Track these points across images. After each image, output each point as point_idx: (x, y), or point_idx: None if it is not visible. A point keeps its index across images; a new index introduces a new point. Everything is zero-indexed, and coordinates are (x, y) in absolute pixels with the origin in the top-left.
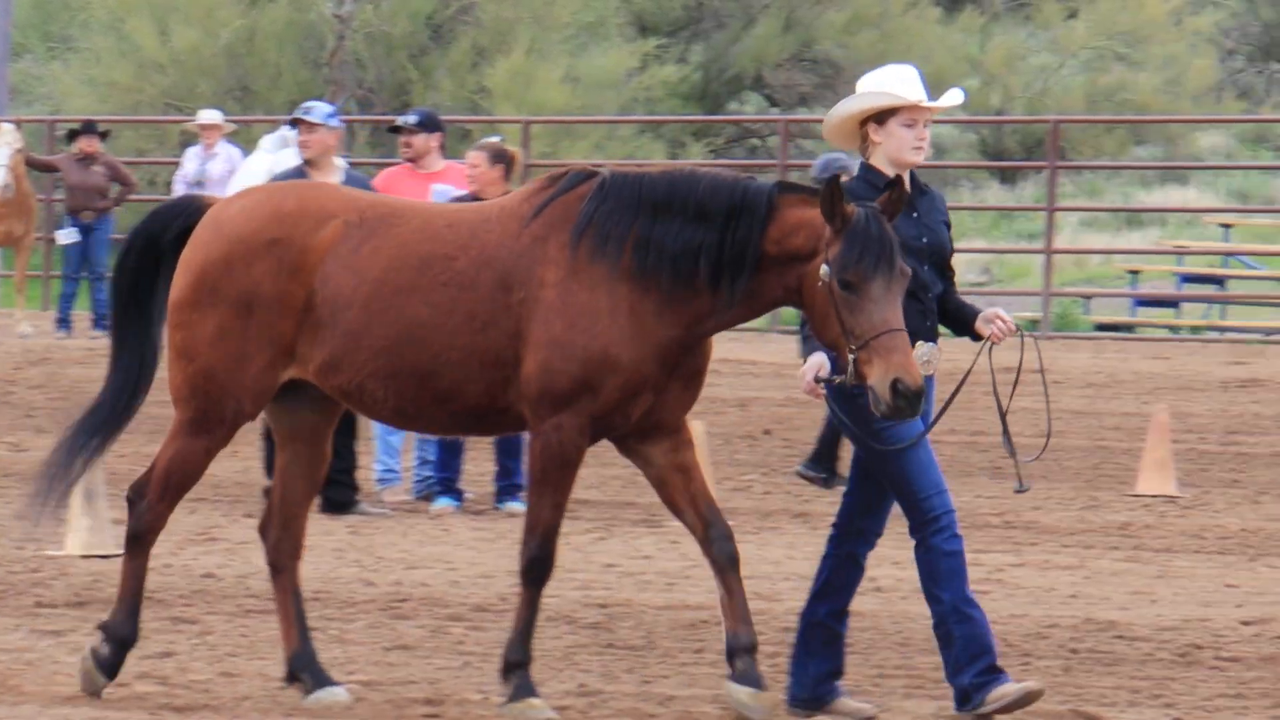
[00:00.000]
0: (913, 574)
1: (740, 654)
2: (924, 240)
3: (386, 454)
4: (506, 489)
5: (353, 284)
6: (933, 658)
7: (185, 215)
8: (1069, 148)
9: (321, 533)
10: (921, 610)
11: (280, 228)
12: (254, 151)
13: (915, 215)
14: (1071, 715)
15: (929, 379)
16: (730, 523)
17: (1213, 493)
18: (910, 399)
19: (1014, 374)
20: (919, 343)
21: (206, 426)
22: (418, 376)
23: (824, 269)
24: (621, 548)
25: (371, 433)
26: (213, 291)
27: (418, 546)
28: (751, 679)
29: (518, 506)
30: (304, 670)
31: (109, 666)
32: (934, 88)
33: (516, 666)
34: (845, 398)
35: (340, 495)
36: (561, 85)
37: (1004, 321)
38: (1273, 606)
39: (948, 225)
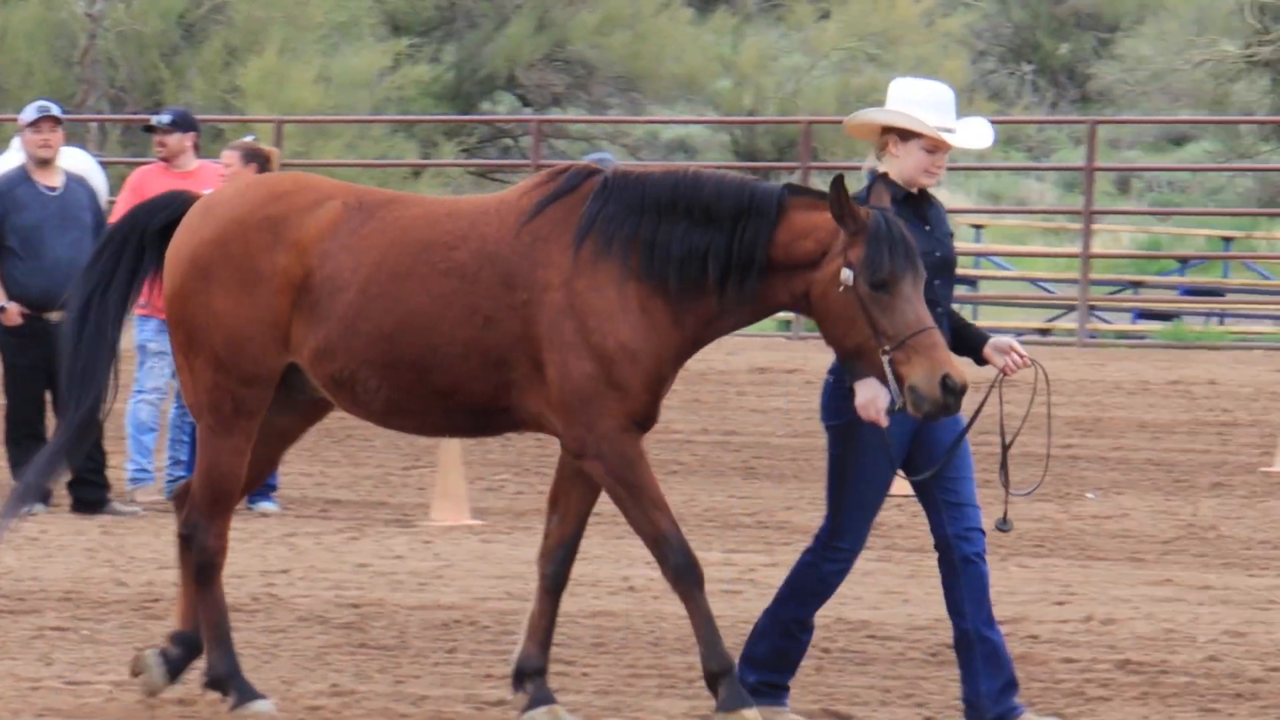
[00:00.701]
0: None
1: (527, 674)
2: (937, 254)
3: (139, 453)
4: (262, 491)
5: (351, 265)
6: (686, 657)
7: (171, 208)
8: (821, 148)
9: (73, 532)
10: (675, 610)
11: (277, 206)
12: (5, 150)
13: (928, 229)
14: (823, 715)
15: None
16: (481, 522)
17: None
18: (958, 395)
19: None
20: None
21: (228, 423)
22: (416, 369)
23: (845, 273)
24: (374, 547)
25: (123, 432)
26: (206, 275)
27: (170, 546)
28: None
29: (270, 507)
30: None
31: (235, 705)
32: (686, 87)
33: (722, 674)
34: (840, 403)
35: (92, 494)
36: (314, 85)
37: (1019, 355)
38: (1023, 606)
39: (951, 236)
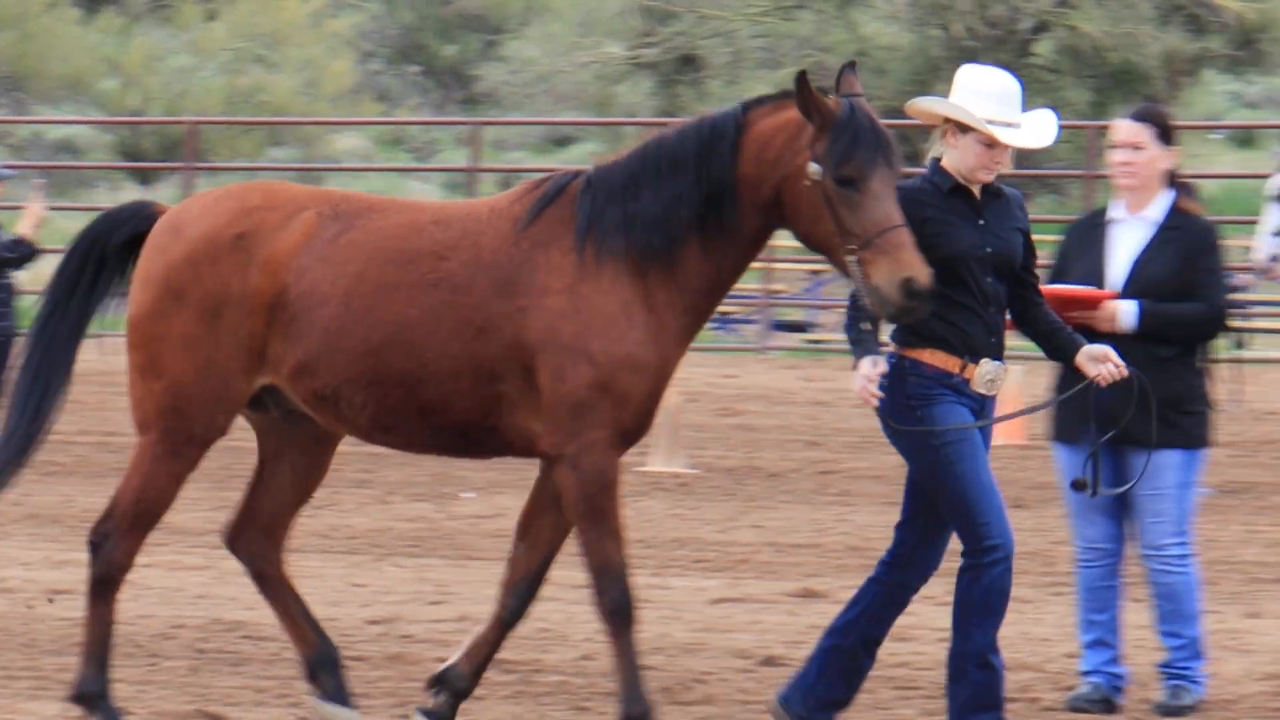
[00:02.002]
0: (42, 575)
1: (445, 685)
2: (987, 249)
3: None
4: None
5: (330, 277)
6: (60, 659)
7: (135, 220)
8: (207, 149)
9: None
10: (50, 612)
11: (247, 221)
12: None
13: (981, 223)
14: (197, 715)
15: (990, 399)
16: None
17: (343, 493)
18: (922, 298)
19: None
20: (984, 360)
21: (176, 448)
22: (403, 384)
23: (813, 167)
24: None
25: None
26: (177, 298)
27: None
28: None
29: None
30: (323, 670)
31: None
32: (72, 87)
33: (639, 718)
34: (902, 410)
35: None
36: None
37: (1115, 365)
38: (398, 606)
39: (1023, 233)
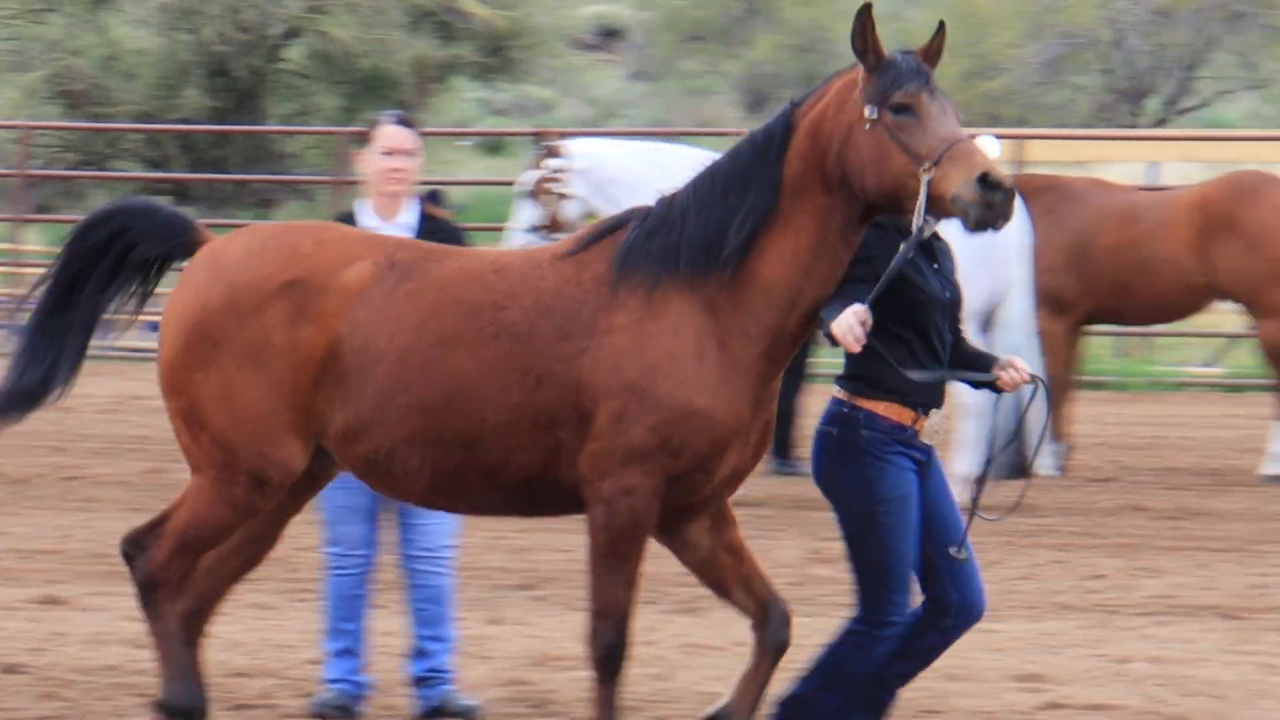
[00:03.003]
0: None
1: None
2: (948, 295)
3: None
4: None
5: (388, 332)
6: None
7: (174, 240)
8: None
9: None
10: None
11: (298, 268)
12: None
13: (936, 266)
14: None
15: (930, 449)
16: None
17: None
18: (1005, 193)
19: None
20: (933, 411)
21: (236, 491)
22: (462, 444)
23: (867, 109)
24: None
25: None
26: (216, 345)
27: None
28: None
29: None
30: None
31: None
32: None
33: None
34: (851, 463)
35: None
36: None
37: (1016, 369)
38: None
39: (954, 274)
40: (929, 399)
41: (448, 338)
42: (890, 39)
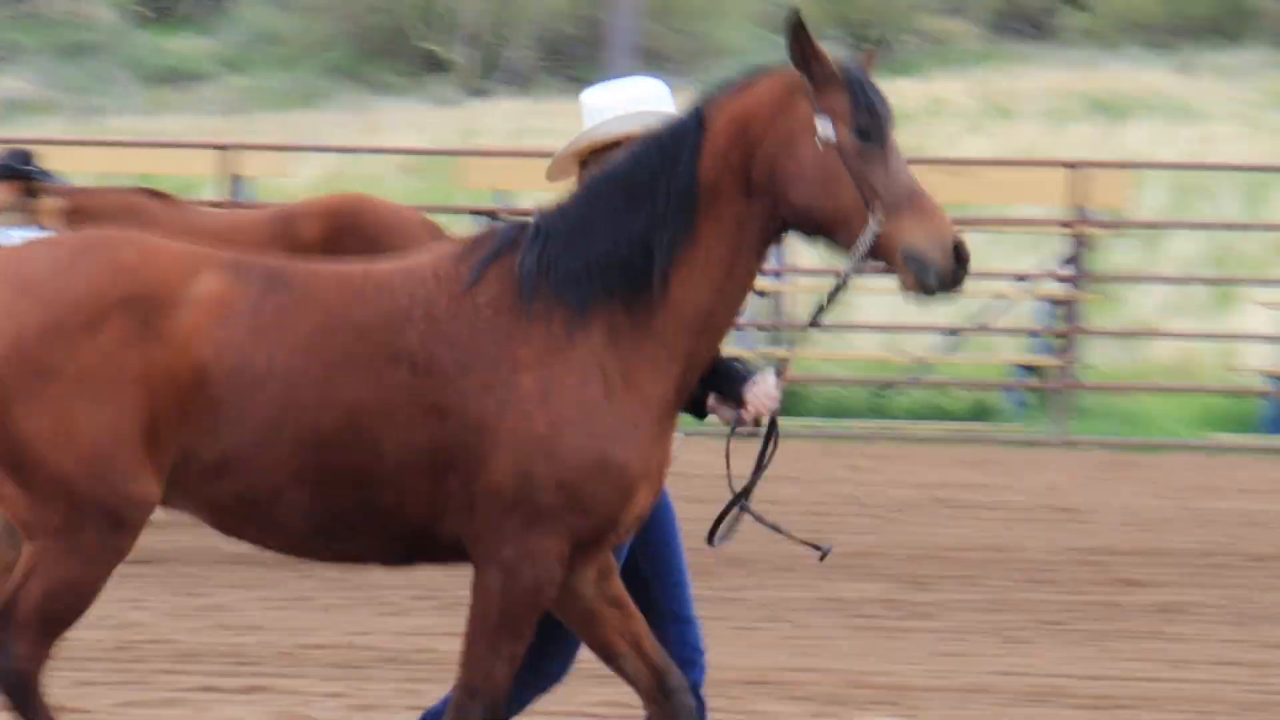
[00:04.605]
0: None
1: None
2: None
3: None
4: None
5: (267, 352)
6: None
7: None
8: None
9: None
10: None
11: (133, 282)
12: None
13: None
14: None
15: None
16: None
17: None
18: (967, 266)
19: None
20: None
21: (88, 538)
22: (356, 481)
23: (822, 125)
24: None
25: None
26: (42, 375)
27: None
28: None
29: None
30: None
31: None
32: None
33: None
34: None
35: None
36: None
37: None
38: None
39: None
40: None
41: (340, 361)
42: None
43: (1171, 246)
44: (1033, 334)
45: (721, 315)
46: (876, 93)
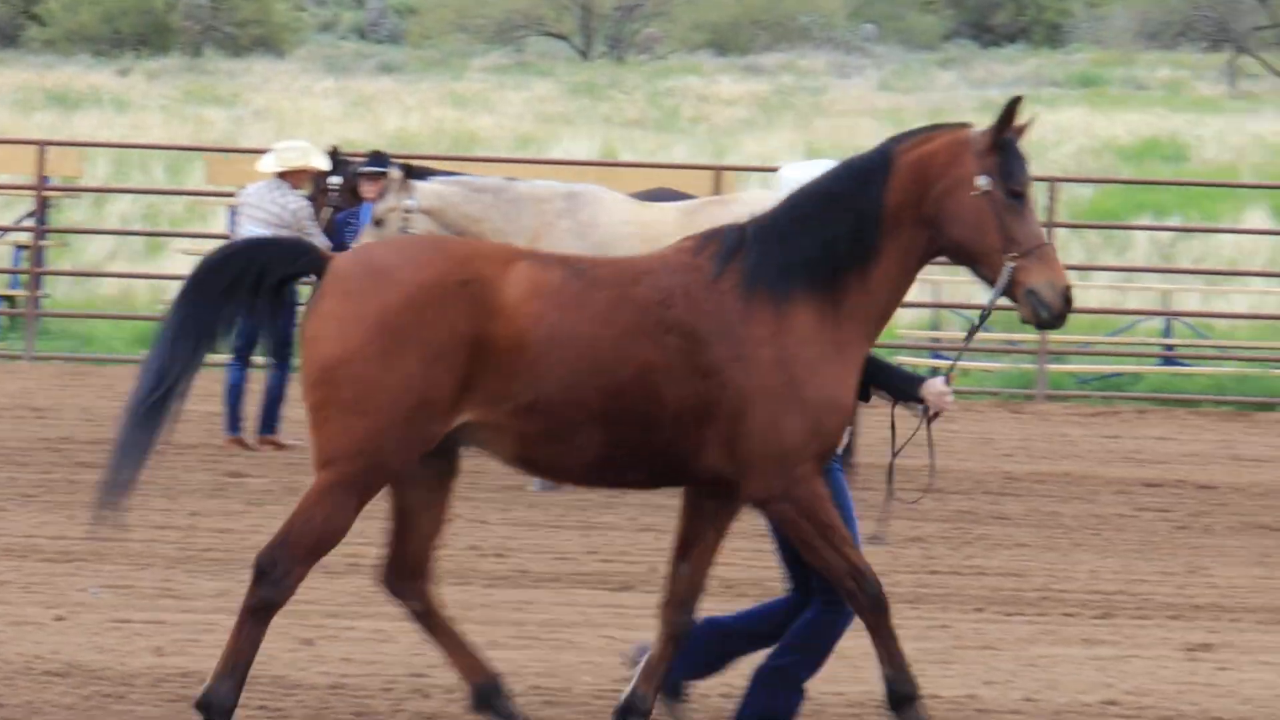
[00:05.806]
0: None
1: (633, 713)
2: None
3: None
4: None
5: (572, 320)
6: None
7: (298, 265)
8: None
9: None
10: None
11: (467, 270)
12: None
13: None
14: None
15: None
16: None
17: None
18: (1070, 309)
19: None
20: None
21: (365, 485)
22: (643, 425)
23: (982, 179)
24: None
25: None
26: (399, 338)
27: None
28: None
29: None
30: (492, 698)
31: None
32: None
33: (909, 699)
34: None
35: None
36: None
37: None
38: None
39: None
40: None
41: (631, 329)
42: None
43: (115, 208)
44: (8, 273)
45: (891, 310)
46: (1021, 160)
